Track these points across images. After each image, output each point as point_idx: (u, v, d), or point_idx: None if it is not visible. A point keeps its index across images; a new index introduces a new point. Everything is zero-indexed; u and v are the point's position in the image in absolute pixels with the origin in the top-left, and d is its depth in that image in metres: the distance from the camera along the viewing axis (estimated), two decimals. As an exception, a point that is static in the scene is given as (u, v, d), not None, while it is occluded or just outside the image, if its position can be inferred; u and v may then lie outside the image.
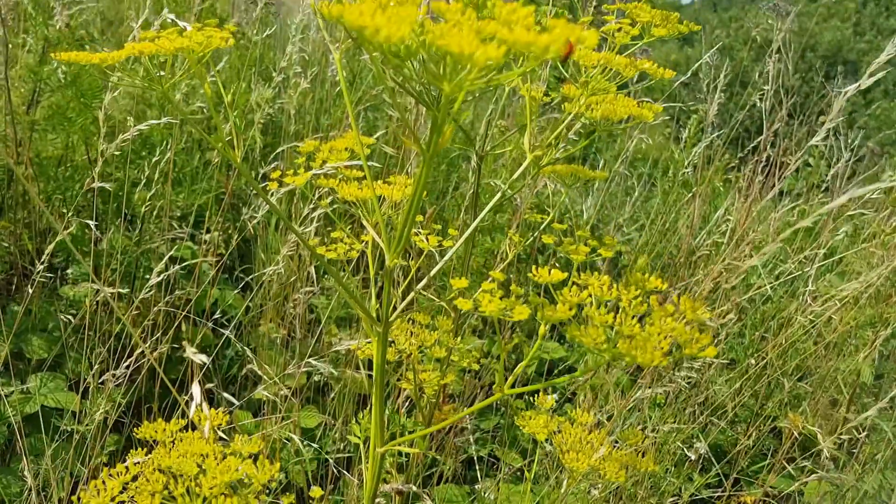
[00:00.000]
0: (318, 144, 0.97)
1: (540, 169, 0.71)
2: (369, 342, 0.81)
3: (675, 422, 1.72)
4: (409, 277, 0.68)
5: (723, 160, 2.40)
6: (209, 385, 1.53)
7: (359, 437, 0.68)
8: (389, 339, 0.84)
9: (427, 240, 0.67)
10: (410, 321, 0.84)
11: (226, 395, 1.10)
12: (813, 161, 2.45)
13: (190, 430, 0.55)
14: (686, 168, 1.59)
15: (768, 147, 1.73)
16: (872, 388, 1.78)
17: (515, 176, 0.58)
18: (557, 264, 2.13)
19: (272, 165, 1.68)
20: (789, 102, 1.44)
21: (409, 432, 1.44)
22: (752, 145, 1.73)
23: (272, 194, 1.56)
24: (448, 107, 0.32)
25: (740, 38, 14.89)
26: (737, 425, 1.79)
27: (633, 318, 0.42)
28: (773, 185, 2.27)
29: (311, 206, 1.32)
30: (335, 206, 1.06)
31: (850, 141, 1.87)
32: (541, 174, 0.96)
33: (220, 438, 0.57)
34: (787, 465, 1.70)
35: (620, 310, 0.43)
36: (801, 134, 2.34)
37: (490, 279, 0.47)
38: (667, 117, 3.62)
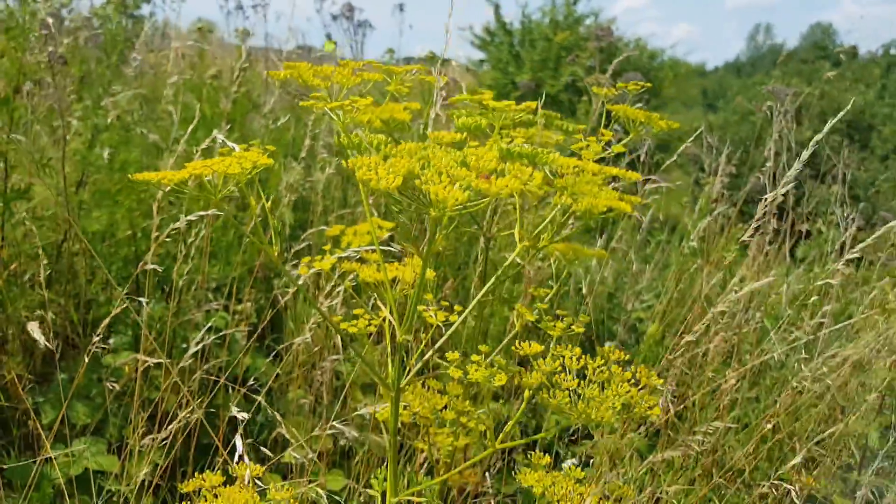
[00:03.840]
0: (343, 228, 1.09)
1: (538, 250, 0.81)
2: (387, 406, 0.90)
3: (690, 485, 1.76)
4: (421, 349, 0.78)
5: (735, 229, 2.48)
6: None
7: (377, 490, 0.76)
8: (406, 403, 0.93)
9: (435, 315, 0.77)
10: (427, 388, 0.93)
11: (264, 450, 1.19)
12: (824, 229, 2.52)
13: (228, 484, 0.65)
14: (692, 240, 1.68)
15: (773, 219, 1.81)
16: (889, 451, 1.80)
17: (508, 263, 0.68)
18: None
19: (303, 244, 1.81)
20: (791, 183, 1.53)
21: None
22: (756, 218, 1.82)
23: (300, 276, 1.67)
24: (437, 222, 0.42)
25: (761, 102, 15.03)
26: (753, 488, 1.82)
27: (596, 383, 0.51)
28: (786, 254, 2.34)
29: (334, 283, 1.43)
30: (356, 283, 1.18)
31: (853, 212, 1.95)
32: (549, 252, 1.06)
33: (259, 490, 0.66)
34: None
35: (586, 377, 0.52)
36: (813, 205, 2.42)
37: (479, 353, 0.57)
38: (678, 184, 3.71)
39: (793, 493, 1.18)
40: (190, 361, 1.39)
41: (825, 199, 2.72)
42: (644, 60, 12.38)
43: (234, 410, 0.66)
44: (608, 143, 0.84)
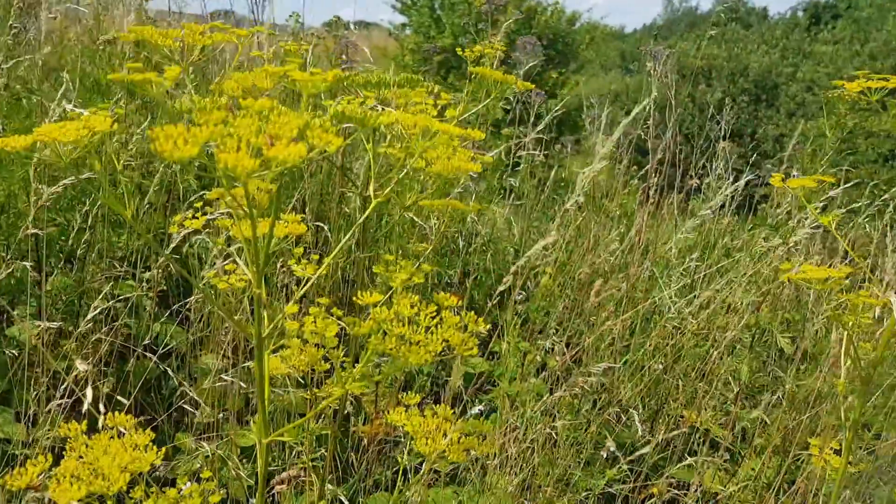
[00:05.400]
0: (223, 192, 1.12)
1: (406, 208, 0.88)
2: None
3: (587, 423, 1.89)
4: (293, 301, 0.83)
5: (631, 185, 2.61)
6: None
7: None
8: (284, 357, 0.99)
9: (304, 269, 0.83)
10: (304, 341, 0.99)
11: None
12: (713, 184, 2.68)
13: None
14: (577, 195, 1.79)
15: (657, 176, 1.93)
16: (761, 385, 1.97)
17: (365, 216, 0.73)
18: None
19: (189, 213, 1.82)
20: (674, 134, 1.64)
21: (318, 437, 1.57)
22: (641, 173, 1.94)
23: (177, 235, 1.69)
24: (251, 183, 0.48)
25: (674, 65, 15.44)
26: (643, 424, 1.96)
27: (423, 328, 0.58)
28: (675, 207, 2.48)
29: (218, 245, 1.47)
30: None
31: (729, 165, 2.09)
32: (431, 209, 1.12)
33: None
34: (688, 456, 1.88)
35: (415, 322, 0.58)
36: (702, 159, 2.57)
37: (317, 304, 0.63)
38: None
39: (636, 416, 1.30)
40: (89, 326, 1.41)
41: (712, 155, 2.87)
42: (563, 25, 12.47)
43: (77, 362, 0.69)
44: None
